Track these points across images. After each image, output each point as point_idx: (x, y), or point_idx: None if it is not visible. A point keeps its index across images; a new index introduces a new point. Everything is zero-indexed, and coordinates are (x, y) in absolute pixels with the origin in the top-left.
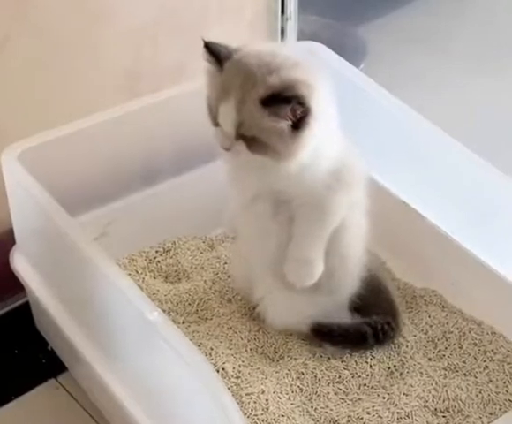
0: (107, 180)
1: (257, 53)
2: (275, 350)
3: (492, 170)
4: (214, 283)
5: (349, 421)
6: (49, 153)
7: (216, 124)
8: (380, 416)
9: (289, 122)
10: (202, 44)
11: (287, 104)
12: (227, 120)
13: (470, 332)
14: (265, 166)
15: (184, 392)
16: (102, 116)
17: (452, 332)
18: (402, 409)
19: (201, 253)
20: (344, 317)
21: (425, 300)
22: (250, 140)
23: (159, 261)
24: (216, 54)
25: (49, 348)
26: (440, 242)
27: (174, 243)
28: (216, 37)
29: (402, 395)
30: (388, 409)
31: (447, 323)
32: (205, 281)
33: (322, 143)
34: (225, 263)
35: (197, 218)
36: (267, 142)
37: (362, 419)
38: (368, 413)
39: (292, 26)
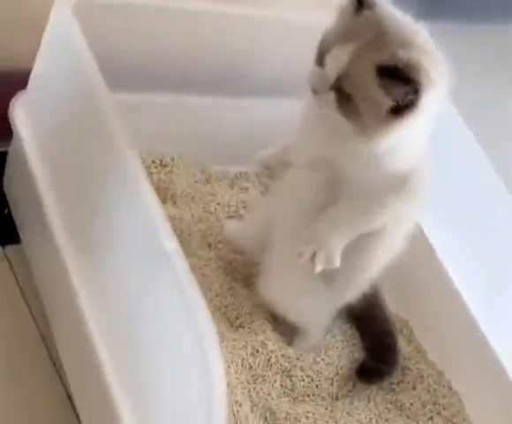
0: (148, 68)
1: (400, 21)
2: (237, 316)
3: None
4: (200, 221)
5: (286, 418)
6: (103, 15)
7: (320, 62)
8: None
9: (393, 103)
10: None
11: (403, 85)
12: (334, 63)
13: (427, 377)
14: (340, 133)
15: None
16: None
17: (411, 370)
18: None
19: (196, 182)
20: (334, 320)
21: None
22: (343, 96)
23: (152, 173)
24: None
25: (6, 212)
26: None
27: (173, 160)
28: None
29: (344, 413)
30: (327, 422)
31: (408, 359)
32: (192, 214)
33: (408, 142)
34: (218, 204)
35: (208, 146)
36: (359, 109)
37: (299, 421)
38: (307, 418)
39: None
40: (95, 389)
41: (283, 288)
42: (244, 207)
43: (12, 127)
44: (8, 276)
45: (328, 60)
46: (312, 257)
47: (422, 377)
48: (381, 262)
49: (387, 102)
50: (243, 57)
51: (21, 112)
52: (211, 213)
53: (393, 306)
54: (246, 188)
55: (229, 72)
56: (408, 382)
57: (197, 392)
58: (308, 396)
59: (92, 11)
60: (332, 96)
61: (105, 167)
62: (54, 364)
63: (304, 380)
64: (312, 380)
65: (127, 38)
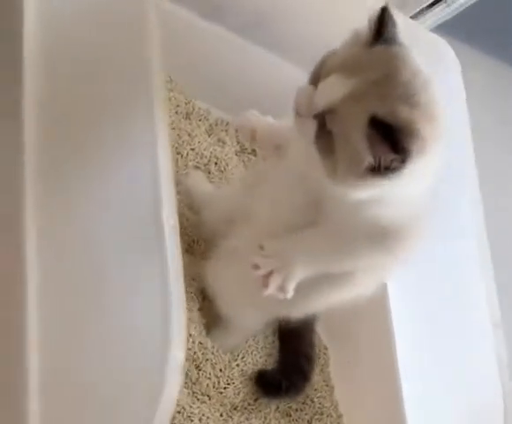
0: None
1: (413, 66)
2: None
3: None
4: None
5: (179, 412)
6: None
7: (313, 83)
8: None
9: (374, 162)
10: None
11: (392, 150)
12: (326, 93)
13: (326, 417)
14: (315, 165)
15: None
16: None
17: (313, 402)
18: None
19: (176, 113)
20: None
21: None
22: (325, 132)
23: None
24: (383, 26)
25: None
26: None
27: (170, 80)
28: None
29: None
30: None
31: (315, 389)
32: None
33: (391, 198)
34: (192, 149)
35: (201, 78)
36: (337, 153)
37: (192, 421)
38: (200, 420)
39: None
40: None
41: (229, 281)
42: (216, 163)
43: None
44: None
45: (322, 86)
46: (267, 275)
47: (321, 414)
48: (339, 302)
49: (368, 159)
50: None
51: None
52: (181, 155)
53: (319, 325)
54: (224, 142)
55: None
56: (306, 414)
57: None
58: (209, 396)
59: None
60: (313, 126)
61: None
62: None
63: (210, 379)
64: (219, 383)
65: None
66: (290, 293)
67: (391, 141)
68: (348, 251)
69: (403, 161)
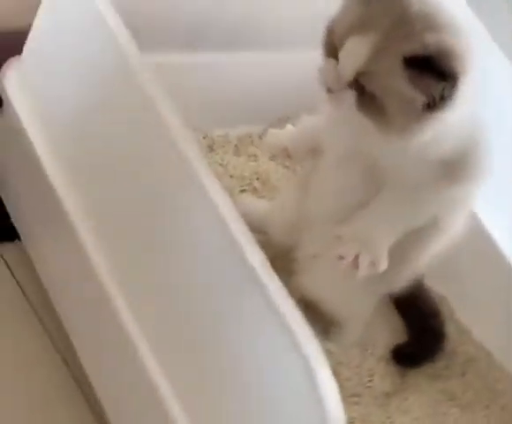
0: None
1: None
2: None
3: None
4: None
5: None
6: None
7: (333, 54)
8: None
9: (428, 99)
10: None
11: (438, 79)
12: (351, 58)
13: (476, 361)
14: (368, 131)
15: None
16: None
17: (456, 353)
18: None
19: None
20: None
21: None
22: (365, 95)
23: None
24: None
25: None
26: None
27: None
28: None
29: (399, 411)
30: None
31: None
32: None
33: (449, 131)
34: (231, 176)
35: (205, 108)
36: (387, 108)
37: None
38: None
39: None
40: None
41: (329, 285)
42: (257, 178)
43: (3, 98)
44: (6, 278)
45: (343, 54)
46: (355, 259)
47: (471, 361)
48: (434, 253)
49: (421, 99)
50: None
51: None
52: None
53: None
54: (255, 155)
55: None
56: (456, 366)
57: None
58: (359, 395)
59: None
60: (350, 95)
61: (148, 153)
62: (75, 379)
63: (351, 379)
64: (362, 379)
65: None
66: (384, 264)
67: (434, 72)
68: (422, 200)
69: (453, 85)
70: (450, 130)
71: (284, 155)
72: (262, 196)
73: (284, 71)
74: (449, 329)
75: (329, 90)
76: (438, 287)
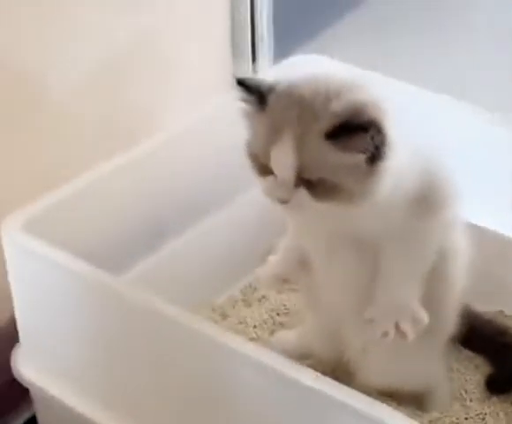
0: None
1: (306, 79)
2: None
3: None
4: None
5: None
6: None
7: (267, 172)
8: None
9: (366, 154)
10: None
11: (364, 133)
12: (283, 165)
13: None
14: (335, 212)
15: None
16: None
17: None
18: None
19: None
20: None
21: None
22: (314, 185)
23: None
24: (256, 88)
25: None
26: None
27: None
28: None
29: None
30: None
31: None
32: None
33: (402, 173)
34: (254, 327)
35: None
36: (339, 184)
37: None
38: None
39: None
40: None
41: (388, 368)
42: (277, 313)
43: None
44: None
45: (275, 165)
46: (398, 330)
47: None
48: (460, 269)
49: (361, 158)
50: None
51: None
52: (254, 339)
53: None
54: (263, 297)
55: None
56: None
57: None
58: None
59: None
60: (303, 193)
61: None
62: None
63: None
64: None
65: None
66: (424, 315)
67: (356, 129)
68: (420, 242)
69: (379, 130)
70: (402, 172)
71: (280, 282)
72: (292, 326)
73: None
74: None
75: (283, 201)
76: (489, 306)
